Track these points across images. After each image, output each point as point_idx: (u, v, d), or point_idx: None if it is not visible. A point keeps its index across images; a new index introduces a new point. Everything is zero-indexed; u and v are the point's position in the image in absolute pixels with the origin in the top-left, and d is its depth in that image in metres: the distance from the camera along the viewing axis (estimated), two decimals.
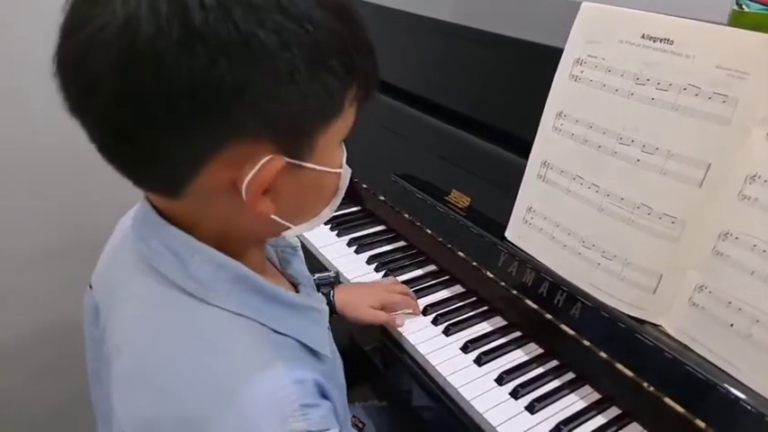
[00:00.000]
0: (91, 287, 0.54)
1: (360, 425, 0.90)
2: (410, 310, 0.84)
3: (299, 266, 0.58)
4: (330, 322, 0.80)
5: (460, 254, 0.88)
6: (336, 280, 0.86)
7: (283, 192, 0.42)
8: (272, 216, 0.43)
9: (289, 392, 0.41)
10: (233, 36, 0.34)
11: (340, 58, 0.39)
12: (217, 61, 0.34)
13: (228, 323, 0.43)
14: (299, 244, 0.60)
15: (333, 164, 0.45)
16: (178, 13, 0.34)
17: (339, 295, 0.83)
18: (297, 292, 0.55)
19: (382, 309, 0.82)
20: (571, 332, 0.72)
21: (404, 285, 0.88)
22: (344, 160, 0.48)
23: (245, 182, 0.39)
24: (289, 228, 0.46)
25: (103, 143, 0.39)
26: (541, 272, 0.75)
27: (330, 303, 0.81)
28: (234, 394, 0.40)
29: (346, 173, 0.48)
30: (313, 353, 0.48)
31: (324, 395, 0.45)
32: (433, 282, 0.92)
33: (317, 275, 0.85)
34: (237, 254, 0.46)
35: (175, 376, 0.42)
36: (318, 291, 0.81)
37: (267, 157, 0.39)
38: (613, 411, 0.70)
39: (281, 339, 0.45)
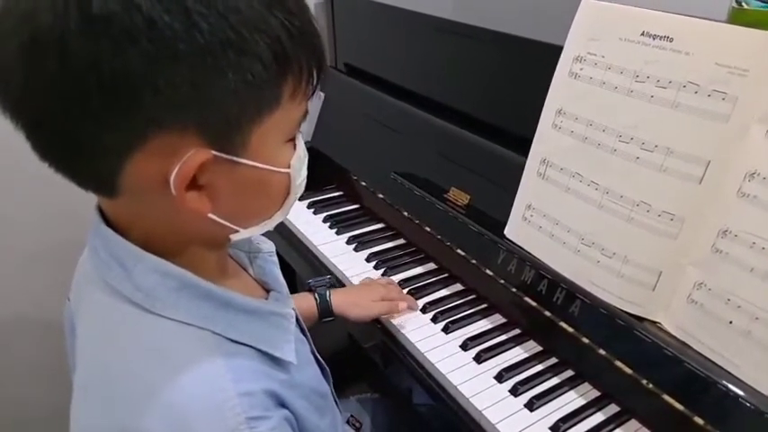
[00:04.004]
0: (69, 300, 0.54)
1: (357, 424, 0.90)
2: (406, 305, 0.84)
3: (273, 272, 0.57)
4: (325, 326, 0.79)
5: (460, 251, 0.88)
6: (332, 282, 0.85)
7: (220, 189, 0.41)
8: (210, 215, 0.41)
9: (234, 405, 0.40)
10: (136, 21, 0.33)
11: (267, 46, 0.37)
12: (121, 47, 0.33)
13: (176, 334, 0.42)
14: (274, 249, 0.59)
15: (277, 162, 0.43)
16: None
17: (338, 297, 0.82)
18: (268, 297, 0.54)
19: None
20: (570, 329, 0.72)
21: (397, 285, 0.88)
22: (295, 160, 0.45)
23: (172, 176, 0.38)
24: (236, 230, 0.45)
25: (28, 137, 0.38)
26: (541, 269, 0.75)
27: (326, 304, 0.81)
28: (177, 407, 0.39)
29: (297, 173, 0.45)
30: (274, 360, 0.46)
31: (282, 404, 0.44)
32: (433, 279, 0.92)
33: (312, 279, 0.85)
34: (185, 257, 0.44)
35: (121, 389, 0.41)
36: (314, 293, 0.81)
37: (192, 151, 0.37)
38: (612, 408, 0.70)
39: (235, 348, 0.44)
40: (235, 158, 0.40)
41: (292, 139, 0.45)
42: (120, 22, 0.33)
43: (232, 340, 0.44)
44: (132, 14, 0.33)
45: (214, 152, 0.38)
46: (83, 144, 0.37)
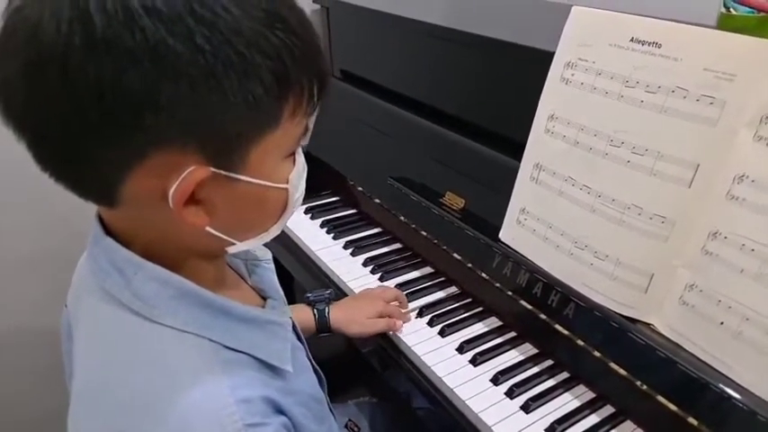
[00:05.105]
0: (66, 306, 0.54)
1: (355, 428, 0.90)
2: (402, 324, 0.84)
3: (270, 279, 0.57)
4: (321, 339, 0.79)
5: (455, 255, 0.89)
6: (332, 297, 0.85)
7: (218, 204, 0.41)
8: (207, 229, 0.42)
9: (232, 412, 0.40)
10: (139, 42, 0.33)
11: (268, 67, 0.37)
12: (124, 68, 0.34)
13: (174, 341, 0.43)
14: (271, 256, 0.59)
15: (275, 178, 0.44)
16: (80, 18, 0.33)
17: (337, 313, 0.82)
18: (265, 305, 0.54)
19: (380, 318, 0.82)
20: (565, 332, 0.73)
21: (395, 289, 0.89)
22: (293, 175, 0.45)
23: (171, 192, 0.38)
24: (232, 243, 0.45)
25: (29, 147, 0.39)
26: (535, 273, 0.76)
27: (324, 320, 0.81)
28: (175, 414, 0.39)
29: (295, 188, 0.46)
30: (271, 368, 0.47)
31: (280, 411, 0.45)
32: (429, 283, 0.93)
33: (312, 293, 0.85)
34: (185, 268, 0.45)
35: (120, 396, 0.42)
36: (313, 308, 0.82)
37: (191, 168, 0.38)
38: (607, 410, 0.71)
39: (232, 356, 0.44)
40: (233, 175, 0.40)
41: (292, 154, 0.45)
42: (123, 43, 0.33)
43: (230, 348, 0.44)
44: (136, 36, 0.33)
45: (213, 169, 0.39)
46: (83, 159, 0.38)
